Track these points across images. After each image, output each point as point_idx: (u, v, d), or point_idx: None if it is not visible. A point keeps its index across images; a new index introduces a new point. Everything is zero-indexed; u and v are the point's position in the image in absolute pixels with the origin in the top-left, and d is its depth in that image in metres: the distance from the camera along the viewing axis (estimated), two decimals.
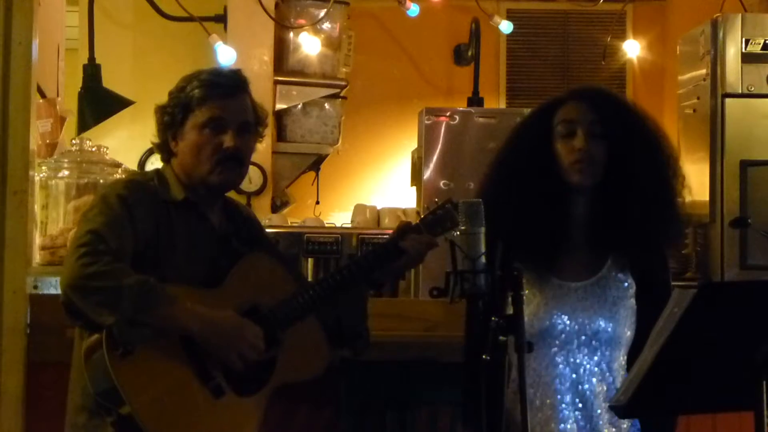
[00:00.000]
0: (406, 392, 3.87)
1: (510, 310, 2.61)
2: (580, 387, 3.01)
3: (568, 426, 3.00)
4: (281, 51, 7.42)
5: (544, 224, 3.02)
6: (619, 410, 2.58)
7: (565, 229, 3.06)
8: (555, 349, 3.01)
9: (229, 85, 3.25)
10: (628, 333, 3.03)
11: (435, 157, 6.58)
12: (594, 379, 3.01)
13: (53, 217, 4.55)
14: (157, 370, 3.05)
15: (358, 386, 3.83)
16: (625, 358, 3.04)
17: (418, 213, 3.41)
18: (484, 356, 2.57)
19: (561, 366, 3.01)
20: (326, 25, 7.43)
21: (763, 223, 5.07)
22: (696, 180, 5.34)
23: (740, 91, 5.27)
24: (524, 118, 3.22)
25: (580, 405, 3.01)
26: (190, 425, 3.09)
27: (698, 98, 5.46)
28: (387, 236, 3.37)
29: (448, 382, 3.79)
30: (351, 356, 3.45)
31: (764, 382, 2.43)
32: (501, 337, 2.57)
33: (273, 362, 3.19)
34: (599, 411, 3.00)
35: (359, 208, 7.39)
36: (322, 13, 7.30)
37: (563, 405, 3.00)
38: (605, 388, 3.01)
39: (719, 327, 2.43)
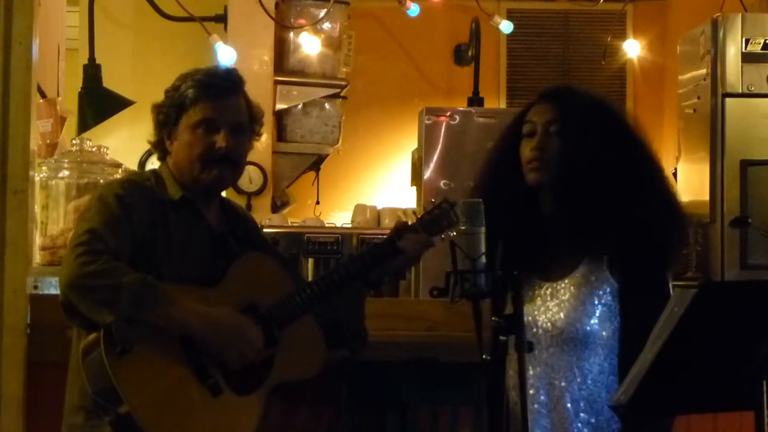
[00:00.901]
0: (406, 392, 3.87)
1: (510, 310, 2.61)
2: (551, 387, 3.00)
3: (542, 425, 2.99)
4: (281, 51, 7.42)
5: (516, 224, 3.02)
6: (619, 410, 2.58)
7: (538, 229, 3.06)
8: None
9: (222, 86, 3.26)
10: (606, 333, 3.00)
11: (435, 157, 6.58)
12: (565, 380, 3.00)
13: (53, 217, 4.55)
14: (155, 369, 3.05)
15: (359, 386, 3.83)
16: (603, 357, 3.00)
17: (414, 213, 3.43)
18: (484, 356, 2.57)
19: (531, 366, 3.00)
20: (326, 25, 7.44)
21: (764, 222, 5.07)
22: (696, 180, 5.35)
23: (740, 91, 5.26)
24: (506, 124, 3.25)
25: (552, 405, 3.00)
26: (188, 424, 3.09)
27: (698, 98, 5.46)
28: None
29: (448, 381, 3.79)
30: (349, 356, 3.46)
31: (764, 382, 2.44)
32: (501, 337, 2.57)
33: (271, 361, 3.20)
34: (571, 411, 2.99)
35: (359, 208, 7.40)
36: (323, 13, 7.30)
37: (535, 405, 3.00)
38: (577, 388, 2.99)
39: (719, 327, 2.43)
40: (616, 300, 3.01)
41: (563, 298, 3.02)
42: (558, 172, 3.03)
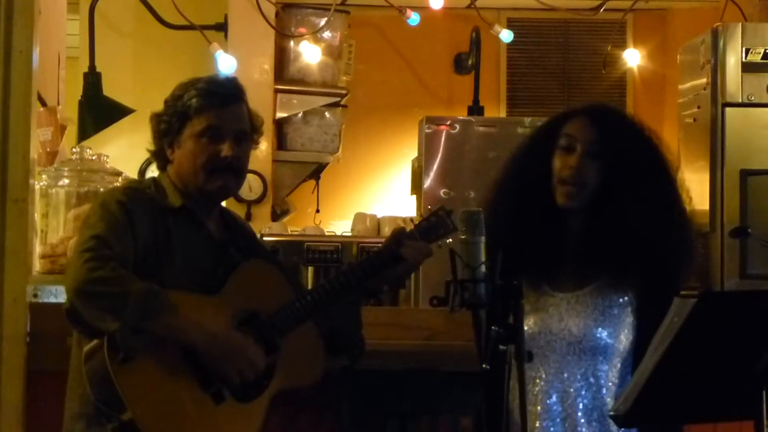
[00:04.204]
0: (406, 401, 3.87)
1: (510, 320, 2.61)
2: (564, 395, 3.00)
3: None
4: (282, 59, 7.42)
5: (538, 236, 3.02)
6: (618, 419, 2.58)
7: (559, 243, 3.06)
8: (540, 356, 2.99)
9: (225, 95, 3.26)
10: (622, 345, 3.01)
11: (435, 166, 6.56)
12: (579, 389, 3.00)
13: (53, 225, 4.55)
14: (157, 376, 3.05)
15: (359, 395, 3.83)
16: (617, 369, 3.01)
17: (411, 220, 3.45)
18: (483, 365, 2.57)
19: (545, 374, 3.01)
20: (327, 34, 7.44)
21: (764, 232, 5.06)
22: (696, 189, 5.31)
23: (740, 101, 5.26)
24: (536, 128, 3.23)
25: (564, 414, 3.00)
26: (190, 431, 3.09)
27: (698, 107, 5.46)
28: None
29: (448, 391, 3.79)
30: (348, 364, 3.46)
31: (764, 392, 2.43)
32: (501, 347, 2.57)
33: (272, 368, 3.20)
34: (583, 420, 2.99)
35: (359, 217, 7.39)
36: (323, 21, 7.31)
37: (547, 413, 3.00)
38: (591, 397, 2.99)
39: (719, 336, 2.43)
40: (633, 314, 3.02)
41: (582, 308, 3.02)
42: (592, 197, 3.02)
